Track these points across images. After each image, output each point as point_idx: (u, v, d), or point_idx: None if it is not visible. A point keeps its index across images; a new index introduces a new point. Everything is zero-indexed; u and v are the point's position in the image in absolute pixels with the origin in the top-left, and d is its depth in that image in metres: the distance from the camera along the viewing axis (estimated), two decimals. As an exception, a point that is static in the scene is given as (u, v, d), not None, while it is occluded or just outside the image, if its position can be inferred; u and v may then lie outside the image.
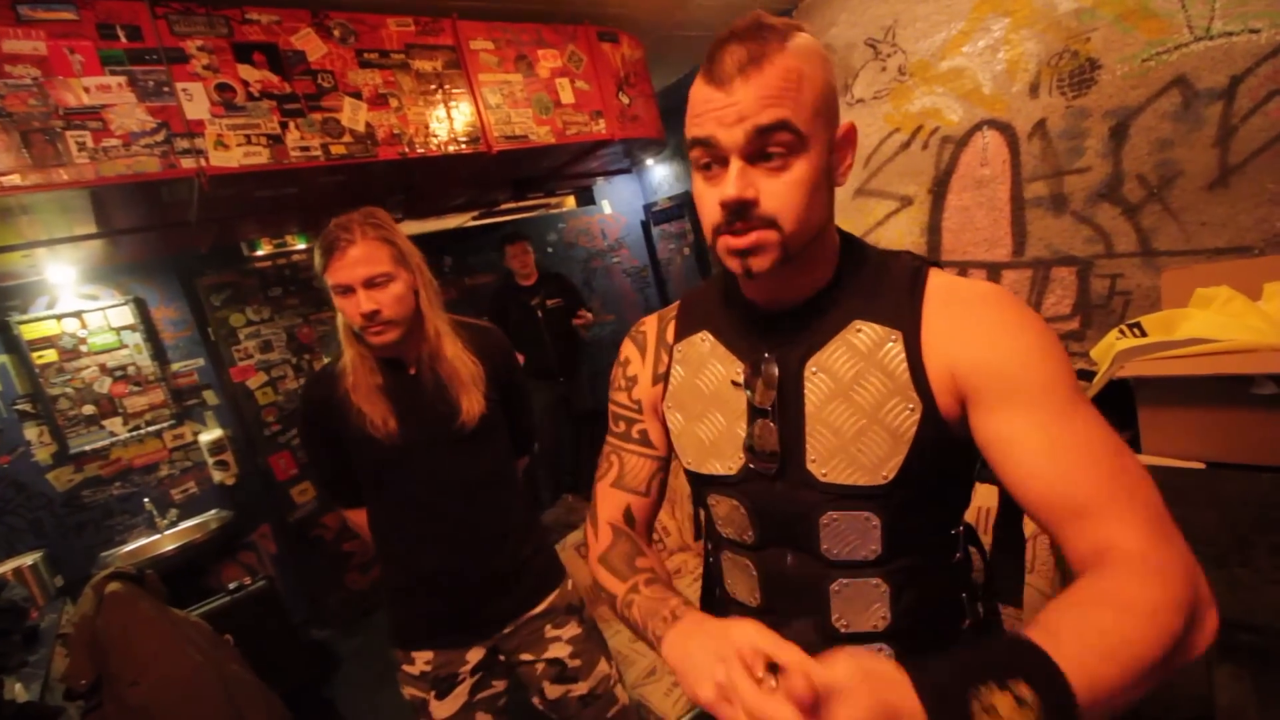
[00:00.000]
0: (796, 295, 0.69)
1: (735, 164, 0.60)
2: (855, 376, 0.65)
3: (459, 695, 1.29)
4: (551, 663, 1.33)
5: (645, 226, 4.67)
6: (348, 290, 1.17)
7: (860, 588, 0.68)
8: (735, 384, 0.72)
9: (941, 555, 0.71)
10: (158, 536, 2.76)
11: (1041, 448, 0.57)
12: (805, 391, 0.67)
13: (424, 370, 1.27)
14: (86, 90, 1.55)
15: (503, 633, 1.32)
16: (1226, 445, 1.23)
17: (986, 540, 0.78)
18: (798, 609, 0.71)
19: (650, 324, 0.87)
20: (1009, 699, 0.42)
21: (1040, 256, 2.27)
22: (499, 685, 1.35)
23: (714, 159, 0.62)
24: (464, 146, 2.19)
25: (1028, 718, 0.41)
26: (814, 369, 0.67)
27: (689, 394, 0.77)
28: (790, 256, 0.63)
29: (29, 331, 2.59)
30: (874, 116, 2.71)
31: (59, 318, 2.65)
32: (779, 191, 0.60)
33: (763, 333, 0.71)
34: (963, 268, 2.50)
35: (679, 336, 0.81)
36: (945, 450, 0.64)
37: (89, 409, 2.71)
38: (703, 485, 0.77)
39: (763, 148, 0.59)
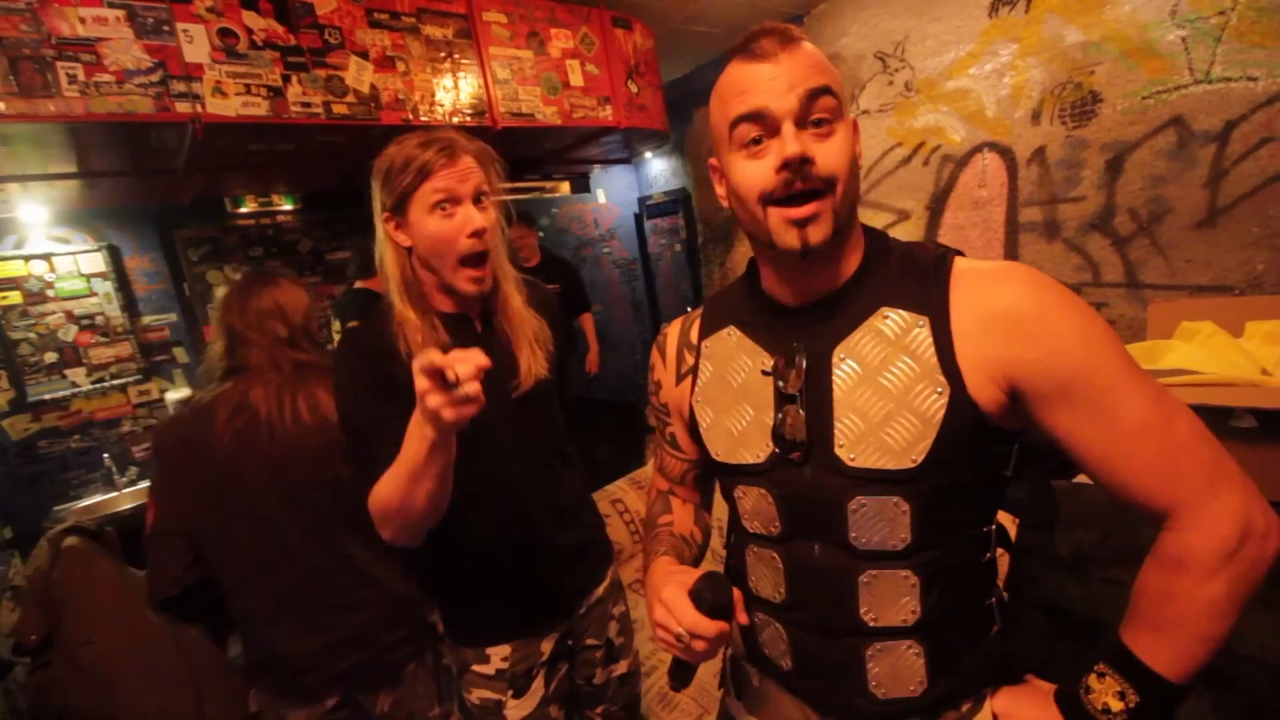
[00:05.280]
0: (827, 285, 0.70)
1: (789, 128, 0.63)
2: (883, 362, 0.65)
3: (535, 691, 1.16)
4: (606, 645, 1.26)
5: (638, 219, 4.66)
6: (452, 202, 0.99)
7: (890, 579, 0.67)
8: (765, 373, 0.72)
9: (971, 552, 0.70)
10: (115, 494, 2.66)
11: (1102, 450, 0.61)
12: (833, 378, 0.68)
13: (492, 326, 1.11)
14: (82, 21, 1.48)
15: (578, 613, 1.22)
16: (1202, 474, 1.27)
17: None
18: (824, 604, 0.71)
19: (672, 328, 0.89)
20: (1093, 678, 0.63)
21: (1028, 280, 2.32)
22: (563, 668, 1.24)
23: (765, 130, 0.64)
24: (469, 119, 2.16)
25: (1111, 684, 0.61)
26: (842, 355, 0.67)
27: (718, 388, 0.78)
28: (839, 229, 0.65)
29: (-7, 270, 2.48)
30: (878, 129, 2.74)
31: (26, 259, 2.53)
32: (831, 152, 0.63)
33: (789, 324, 0.72)
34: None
35: (705, 334, 0.81)
36: (978, 437, 0.64)
37: (51, 356, 2.60)
38: (731, 476, 0.78)
39: (810, 113, 0.63)
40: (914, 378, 0.64)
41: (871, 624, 0.69)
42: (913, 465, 0.63)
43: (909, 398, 0.64)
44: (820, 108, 0.63)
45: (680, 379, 0.84)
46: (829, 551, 0.70)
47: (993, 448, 0.66)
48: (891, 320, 0.66)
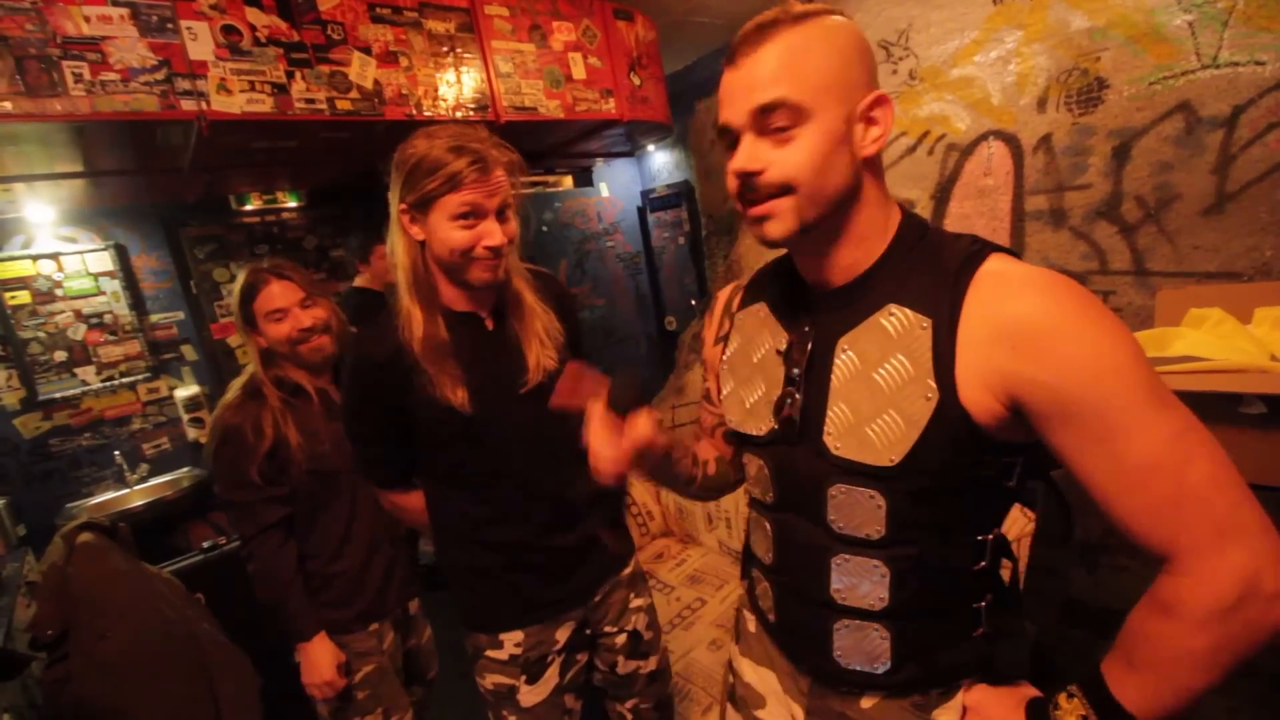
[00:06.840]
0: (842, 275, 0.70)
1: (747, 139, 0.65)
2: (881, 358, 0.66)
3: (549, 678, 1.17)
4: (631, 635, 1.26)
5: (641, 213, 4.65)
6: (477, 216, 0.98)
7: (861, 565, 0.71)
8: (779, 353, 0.76)
9: (958, 557, 0.70)
10: (126, 491, 2.68)
11: (1101, 483, 0.58)
12: (833, 367, 0.70)
13: (502, 323, 1.12)
14: (87, 20, 1.48)
15: (593, 600, 1.22)
16: (1211, 460, 1.27)
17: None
18: (802, 573, 0.77)
19: (723, 293, 0.92)
20: (1064, 696, 0.64)
21: (1035, 269, 2.31)
22: (582, 659, 1.24)
23: (732, 138, 0.68)
24: (472, 113, 2.15)
25: (1078, 707, 0.62)
26: (844, 347, 0.69)
27: (741, 360, 0.82)
28: (809, 225, 0.66)
29: (2, 270, 2.49)
30: (881, 118, 2.72)
31: (35, 258, 2.55)
32: (786, 160, 0.63)
33: (810, 308, 0.74)
34: (958, 275, 2.53)
35: (742, 305, 0.85)
36: (967, 446, 0.63)
37: (61, 355, 2.62)
38: (740, 444, 0.84)
39: (767, 123, 0.63)
40: (906, 379, 0.64)
41: (841, 602, 0.73)
42: (890, 464, 0.65)
43: (898, 398, 0.64)
44: (777, 116, 0.63)
45: (717, 342, 0.89)
46: (810, 528, 0.74)
47: (986, 458, 0.64)
48: (896, 318, 0.66)
